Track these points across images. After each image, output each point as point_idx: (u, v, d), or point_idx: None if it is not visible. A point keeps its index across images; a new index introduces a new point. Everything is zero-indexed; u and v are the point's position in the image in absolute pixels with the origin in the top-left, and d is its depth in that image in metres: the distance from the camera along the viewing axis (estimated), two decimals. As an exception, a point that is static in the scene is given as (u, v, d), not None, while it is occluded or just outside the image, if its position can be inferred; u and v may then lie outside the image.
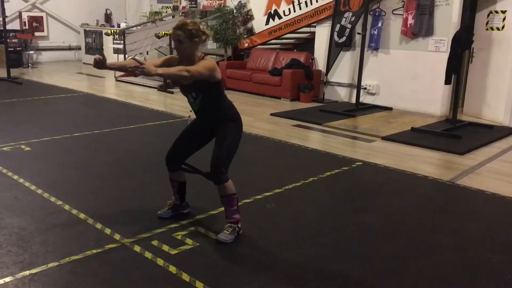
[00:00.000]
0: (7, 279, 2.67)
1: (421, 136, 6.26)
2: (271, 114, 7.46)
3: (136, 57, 2.97)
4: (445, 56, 6.73)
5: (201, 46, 3.18)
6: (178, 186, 3.51)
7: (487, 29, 7.23)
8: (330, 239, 3.35)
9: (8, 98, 8.28)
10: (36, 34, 12.89)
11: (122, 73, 10.79)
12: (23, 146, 5.30)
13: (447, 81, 6.61)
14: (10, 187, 4.08)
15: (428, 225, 3.63)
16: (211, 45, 11.44)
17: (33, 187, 4.07)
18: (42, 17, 13.15)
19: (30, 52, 12.59)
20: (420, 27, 7.56)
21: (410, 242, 3.34)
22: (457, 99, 6.76)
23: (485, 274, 2.95)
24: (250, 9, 10.00)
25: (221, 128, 3.20)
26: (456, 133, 6.28)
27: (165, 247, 3.08)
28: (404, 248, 3.24)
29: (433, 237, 3.42)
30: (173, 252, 3.04)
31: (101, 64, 3.02)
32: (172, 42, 9.48)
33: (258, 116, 7.27)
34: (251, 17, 10.01)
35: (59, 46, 13.67)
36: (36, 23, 13.02)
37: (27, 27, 12.77)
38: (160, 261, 2.91)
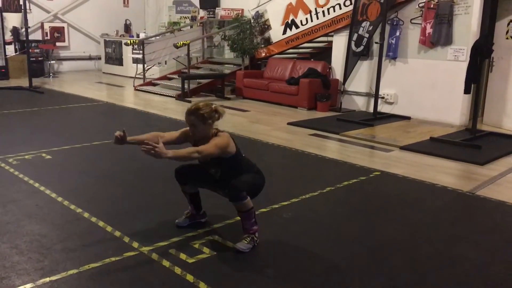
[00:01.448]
0: (28, 286, 2.71)
1: (440, 146, 6.20)
2: (288, 123, 7.45)
3: (152, 137, 3.02)
4: (464, 65, 6.67)
5: (216, 121, 3.17)
6: (190, 197, 3.53)
7: (507, 38, 7.15)
8: (348, 249, 3.33)
9: (30, 107, 8.45)
10: (58, 44, 13.15)
11: (141, 83, 10.94)
12: (44, 154, 5.39)
13: (467, 91, 6.54)
14: (32, 194, 4.16)
15: (447, 237, 3.59)
16: (228, 54, 11.52)
17: (53, 195, 4.14)
18: (63, 27, 13.41)
19: (52, 62, 12.85)
20: (439, 36, 7.51)
21: (429, 253, 3.29)
22: (476, 109, 6.68)
23: (507, 287, 2.90)
24: (267, 19, 10.04)
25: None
26: (476, 143, 6.20)
27: (183, 256, 3.10)
28: (423, 260, 3.20)
29: (452, 249, 3.37)
30: (191, 260, 3.05)
31: (121, 140, 3.09)
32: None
33: (275, 125, 7.28)
34: (268, 27, 10.06)
35: (79, 56, 13.91)
36: (58, 34, 13.28)
37: (48, 37, 13.03)
38: (177, 270, 2.93)
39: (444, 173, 5.15)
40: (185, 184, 3.46)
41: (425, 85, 7.84)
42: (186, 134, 3.29)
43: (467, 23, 7.26)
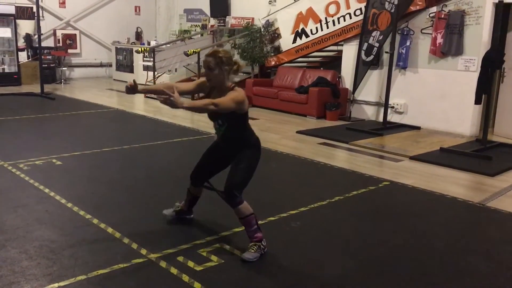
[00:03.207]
0: (37, 291, 2.73)
1: (450, 156, 6.16)
2: (297, 132, 7.45)
3: (167, 87, 3.04)
4: (475, 75, 6.64)
5: (232, 76, 3.23)
6: (191, 199, 3.67)
7: (518, 49, 7.11)
8: (356, 259, 3.31)
9: (41, 113, 8.52)
10: (69, 51, 13.30)
11: (151, 90, 11.00)
12: (54, 160, 5.43)
13: (477, 101, 6.51)
14: (42, 200, 4.19)
15: (457, 248, 3.55)
16: (238, 63, 11.56)
17: (63, 201, 4.16)
18: (75, 34, 13.56)
19: (63, 68, 12.97)
20: (450, 46, 7.48)
21: (439, 265, 3.27)
22: (487, 119, 6.64)
23: (517, 300, 2.87)
24: (277, 28, 10.09)
25: (239, 153, 3.25)
26: (487, 154, 6.15)
27: (191, 263, 3.10)
28: (432, 271, 3.17)
29: (463, 261, 3.34)
30: (198, 268, 3.05)
31: (133, 90, 3.14)
32: (201, 61, 9.69)
33: (284, 134, 7.28)
34: (278, 36, 10.09)
35: (91, 63, 14.04)
36: (70, 41, 13.43)
37: (61, 44, 13.18)
38: (185, 277, 2.93)
39: (454, 184, 5.11)
40: (196, 186, 3.57)
41: (435, 95, 7.81)
42: (200, 85, 3.31)
43: (478, 33, 7.24)
